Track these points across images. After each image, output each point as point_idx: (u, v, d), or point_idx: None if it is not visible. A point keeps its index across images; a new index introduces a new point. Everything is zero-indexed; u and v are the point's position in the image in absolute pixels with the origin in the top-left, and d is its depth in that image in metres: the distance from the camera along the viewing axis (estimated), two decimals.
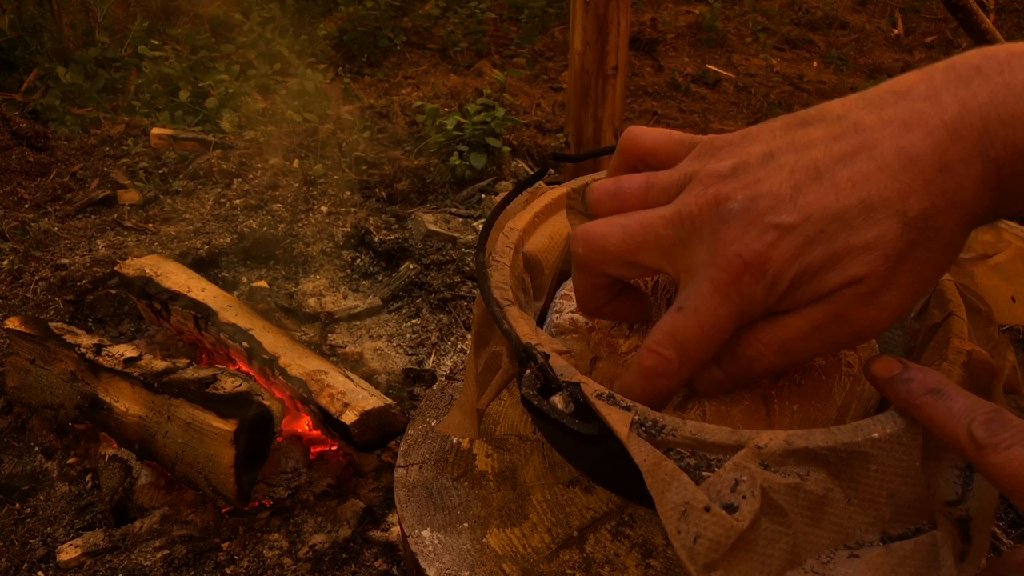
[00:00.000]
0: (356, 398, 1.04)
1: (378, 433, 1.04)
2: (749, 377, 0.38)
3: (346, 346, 1.39)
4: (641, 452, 0.34)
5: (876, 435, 0.35)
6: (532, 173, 0.56)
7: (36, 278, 1.54)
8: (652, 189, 0.39)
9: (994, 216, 0.35)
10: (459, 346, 1.41)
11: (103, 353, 1.11)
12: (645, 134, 0.42)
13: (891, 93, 0.34)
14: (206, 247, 1.62)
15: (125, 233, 1.73)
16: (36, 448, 1.18)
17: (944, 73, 0.33)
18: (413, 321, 1.48)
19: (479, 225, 1.76)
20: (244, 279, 1.57)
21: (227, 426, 0.95)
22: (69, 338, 1.14)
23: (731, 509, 0.33)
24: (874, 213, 0.33)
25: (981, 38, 1.40)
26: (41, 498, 1.10)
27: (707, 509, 0.33)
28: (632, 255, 0.38)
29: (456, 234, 1.68)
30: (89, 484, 1.11)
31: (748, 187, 0.34)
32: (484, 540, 0.50)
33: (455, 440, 0.59)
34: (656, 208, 0.37)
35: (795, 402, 0.41)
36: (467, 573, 0.48)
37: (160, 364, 1.08)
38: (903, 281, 0.34)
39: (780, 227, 0.33)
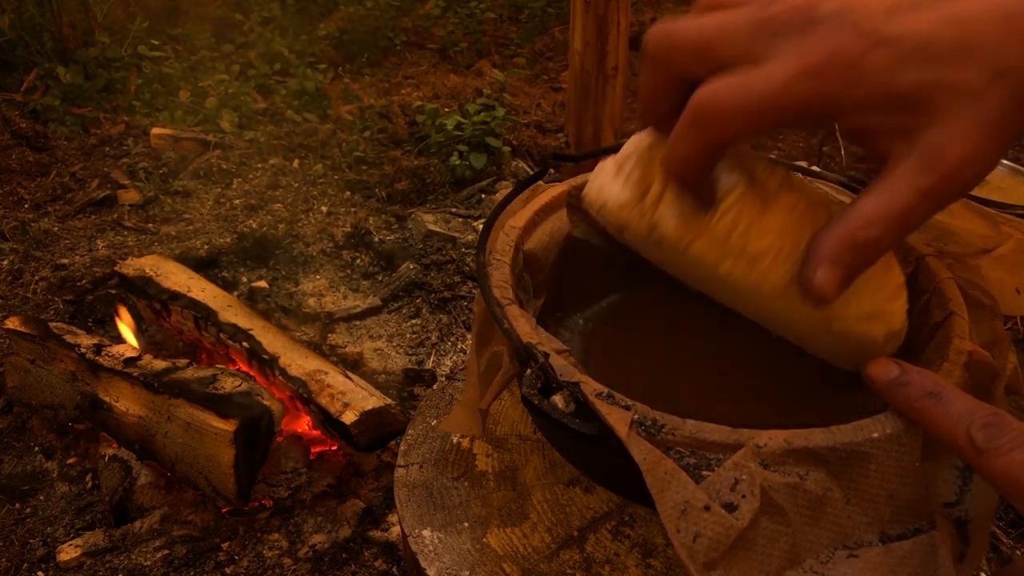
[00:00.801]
0: (356, 398, 1.04)
1: (378, 433, 1.04)
2: (866, 263, 0.36)
3: (346, 346, 1.39)
4: (641, 451, 0.34)
5: (876, 435, 0.35)
6: (532, 173, 0.56)
7: (36, 278, 1.54)
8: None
9: None
10: (459, 346, 1.41)
11: (103, 353, 1.11)
12: None
13: None
14: (206, 247, 1.62)
15: (125, 233, 1.73)
16: (36, 448, 1.18)
17: None
18: (413, 321, 1.48)
19: (479, 225, 1.76)
20: (244, 279, 1.57)
21: (227, 426, 0.95)
22: (69, 338, 1.14)
23: (731, 508, 0.33)
24: (971, 56, 0.32)
25: None
26: (41, 498, 1.10)
27: (707, 508, 0.33)
28: (707, 48, 0.36)
29: (456, 234, 1.68)
30: (89, 484, 1.11)
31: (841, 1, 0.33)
32: (484, 540, 0.50)
33: (455, 440, 0.59)
34: (737, 11, 0.36)
35: None
36: (467, 573, 0.48)
37: (160, 364, 1.08)
38: (996, 132, 0.32)
39: (874, 37, 0.32)
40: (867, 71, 0.32)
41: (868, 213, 0.34)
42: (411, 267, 1.58)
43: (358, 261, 1.65)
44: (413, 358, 1.38)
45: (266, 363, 1.12)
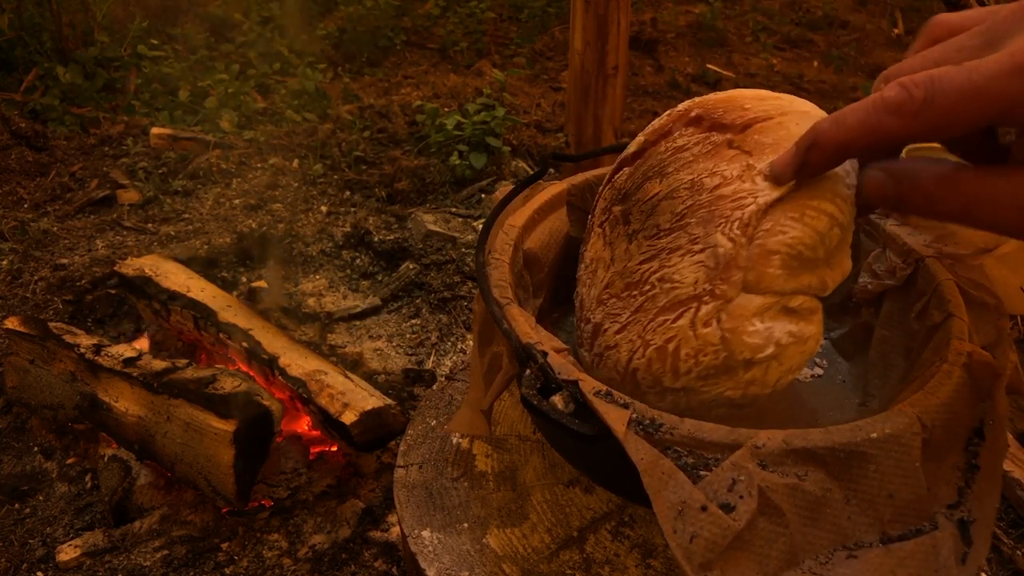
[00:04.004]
0: (356, 398, 1.04)
1: (378, 433, 1.03)
2: (916, 209, 0.35)
3: (346, 346, 1.38)
4: (638, 450, 0.34)
5: (875, 435, 0.35)
6: (532, 173, 0.56)
7: (36, 278, 1.54)
8: (966, 38, 0.35)
9: None
10: (459, 346, 1.41)
11: (102, 353, 1.11)
12: (952, 16, 0.38)
13: None
14: (206, 247, 1.62)
15: (125, 233, 1.72)
16: (36, 448, 1.18)
17: None
18: (413, 321, 1.47)
19: (479, 225, 1.75)
20: (244, 279, 1.57)
21: (227, 426, 0.94)
22: (68, 338, 1.14)
23: (728, 509, 0.33)
24: None
25: None
26: (41, 498, 1.10)
27: (704, 508, 0.33)
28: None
29: (456, 234, 1.68)
30: (89, 484, 1.11)
31: None
32: (484, 540, 0.50)
33: (455, 440, 0.59)
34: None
35: None
36: (467, 573, 0.48)
37: (160, 364, 1.08)
38: None
39: None
40: None
41: (963, 187, 0.33)
42: (411, 267, 1.58)
43: (358, 261, 1.65)
44: (413, 358, 1.38)
45: (266, 363, 1.12)
